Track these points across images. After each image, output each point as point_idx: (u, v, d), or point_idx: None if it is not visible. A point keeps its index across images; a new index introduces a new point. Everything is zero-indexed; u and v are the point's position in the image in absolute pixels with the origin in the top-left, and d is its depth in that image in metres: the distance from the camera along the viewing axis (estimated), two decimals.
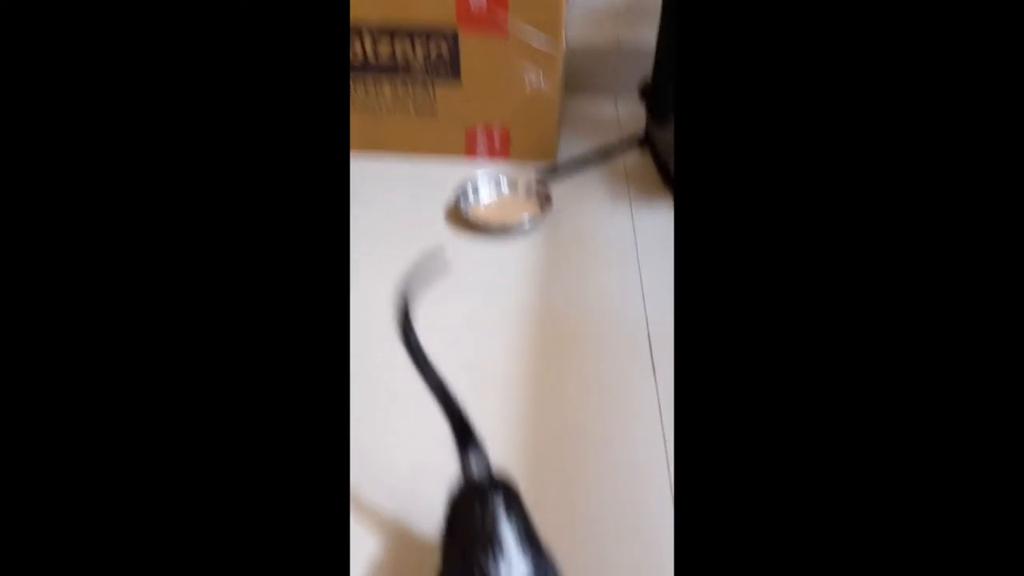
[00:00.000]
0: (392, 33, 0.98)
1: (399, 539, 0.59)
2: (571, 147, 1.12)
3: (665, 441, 0.65)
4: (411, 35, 0.98)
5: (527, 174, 1.02)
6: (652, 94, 1.11)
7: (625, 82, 1.23)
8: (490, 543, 0.44)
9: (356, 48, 1.00)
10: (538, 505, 0.49)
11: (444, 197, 0.99)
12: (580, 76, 1.28)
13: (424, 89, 1.03)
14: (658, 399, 0.69)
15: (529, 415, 0.68)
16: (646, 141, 1.12)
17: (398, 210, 0.99)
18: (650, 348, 0.75)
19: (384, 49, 1.00)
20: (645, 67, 1.10)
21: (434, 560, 0.49)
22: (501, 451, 0.59)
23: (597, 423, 0.67)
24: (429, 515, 0.51)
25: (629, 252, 0.90)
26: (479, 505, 0.47)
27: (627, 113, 1.23)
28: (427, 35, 0.98)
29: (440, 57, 0.99)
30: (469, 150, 1.09)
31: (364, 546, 0.58)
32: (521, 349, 0.76)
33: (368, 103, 1.05)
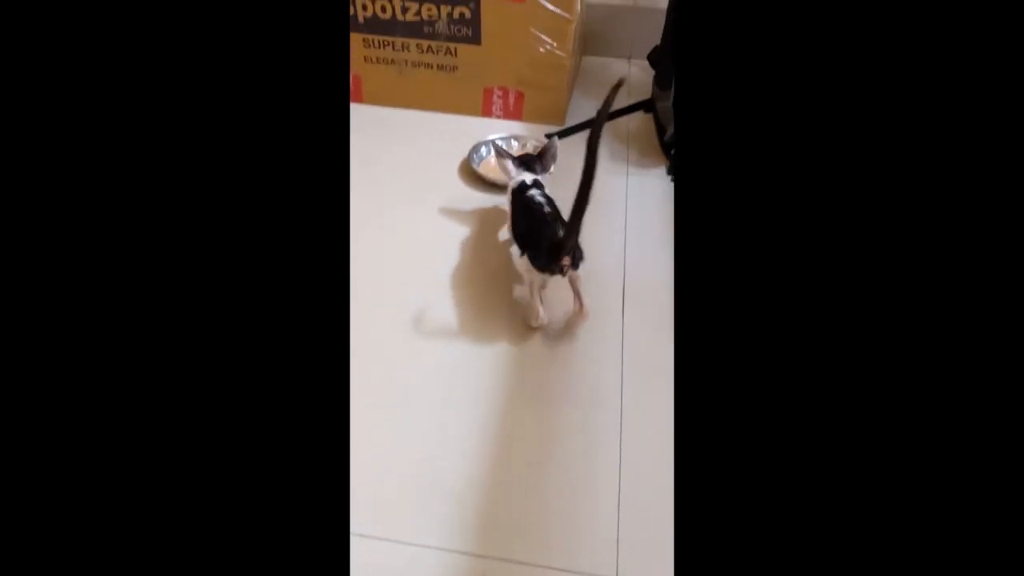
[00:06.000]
0: None
1: None
2: (582, 106, 1.20)
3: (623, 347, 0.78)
4: None
5: (537, 135, 1.12)
6: (658, 61, 1.17)
7: (639, 45, 1.30)
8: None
9: (385, 6, 1.09)
10: None
11: (459, 152, 1.09)
12: (597, 36, 1.34)
13: (446, 48, 1.12)
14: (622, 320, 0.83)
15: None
16: (651, 106, 1.19)
17: (417, 158, 1.10)
18: (623, 287, 0.88)
19: (412, 7, 1.09)
20: (659, 30, 1.16)
21: None
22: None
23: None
24: None
25: (619, 208, 1.00)
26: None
27: (638, 77, 1.30)
28: None
29: (463, 18, 1.08)
30: (485, 110, 1.18)
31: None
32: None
33: (395, 58, 1.15)
